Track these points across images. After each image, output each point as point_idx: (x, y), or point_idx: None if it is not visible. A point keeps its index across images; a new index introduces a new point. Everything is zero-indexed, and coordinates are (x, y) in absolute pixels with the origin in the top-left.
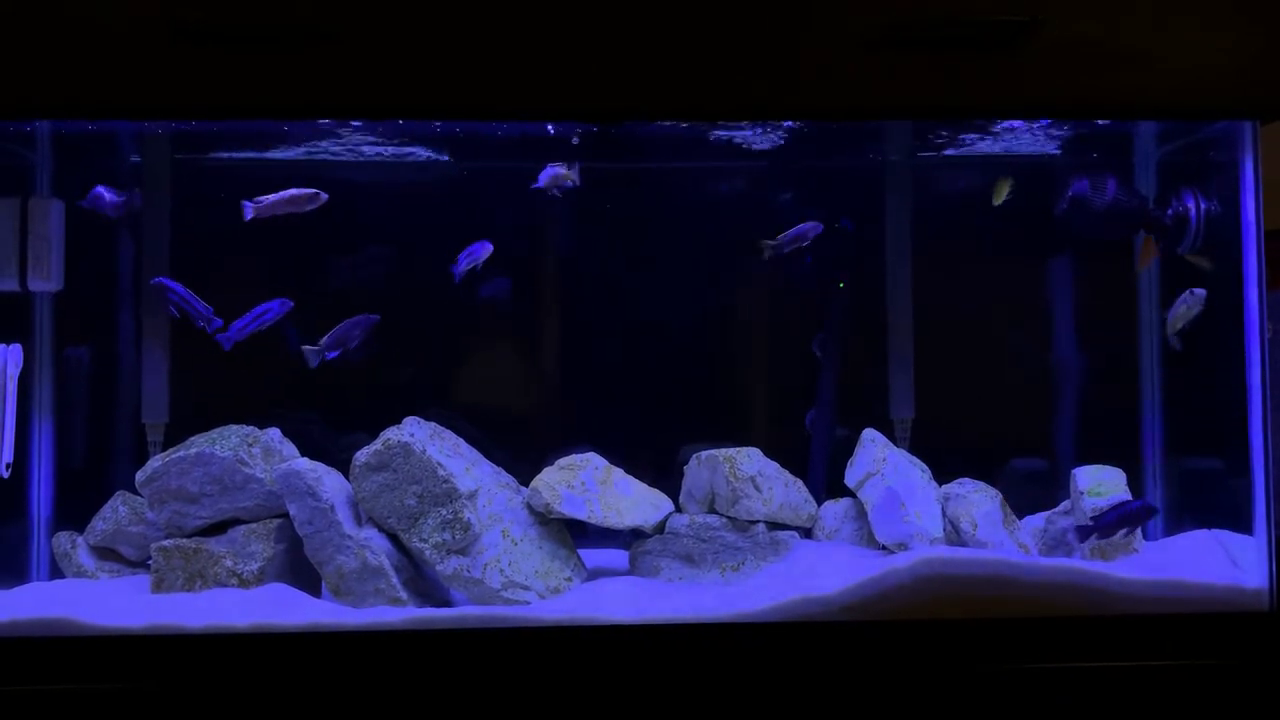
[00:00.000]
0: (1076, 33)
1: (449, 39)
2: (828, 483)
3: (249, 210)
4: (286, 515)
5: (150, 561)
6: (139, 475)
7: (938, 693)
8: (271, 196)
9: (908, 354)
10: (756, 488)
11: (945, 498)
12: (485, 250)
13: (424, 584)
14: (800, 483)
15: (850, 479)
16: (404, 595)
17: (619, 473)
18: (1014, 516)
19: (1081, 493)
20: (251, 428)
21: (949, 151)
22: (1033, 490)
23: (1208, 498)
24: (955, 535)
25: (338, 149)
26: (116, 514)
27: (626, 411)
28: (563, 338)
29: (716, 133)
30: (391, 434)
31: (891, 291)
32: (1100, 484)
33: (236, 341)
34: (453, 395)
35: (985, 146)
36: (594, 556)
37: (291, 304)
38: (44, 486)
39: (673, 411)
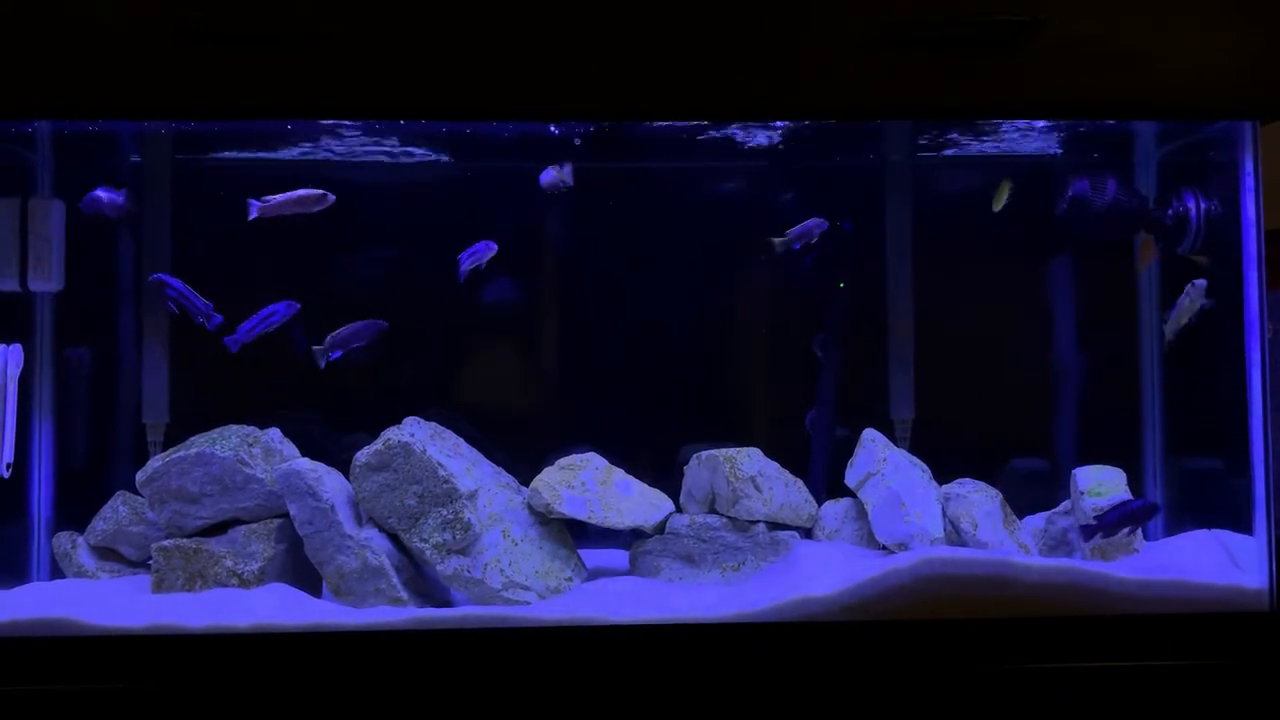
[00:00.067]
0: (1076, 33)
1: (449, 39)
2: (828, 483)
3: (255, 209)
4: (287, 515)
5: (150, 561)
6: (139, 475)
7: (938, 693)
8: (279, 196)
9: (908, 354)
10: (757, 488)
11: (946, 498)
12: (489, 250)
13: (424, 584)
14: (801, 483)
15: (850, 479)
16: (404, 595)
17: (619, 473)
18: (1014, 516)
19: (1082, 493)
20: (252, 428)
21: (949, 151)
22: (1033, 490)
23: (1208, 497)
24: (956, 535)
25: (339, 148)
26: (117, 514)
27: (627, 411)
28: (563, 338)
29: (716, 132)
30: (392, 434)
31: (892, 292)
32: (1100, 484)
33: (243, 344)
34: (453, 395)
35: (985, 146)
36: (594, 556)
37: (299, 306)
38: (44, 486)
39: (673, 411)
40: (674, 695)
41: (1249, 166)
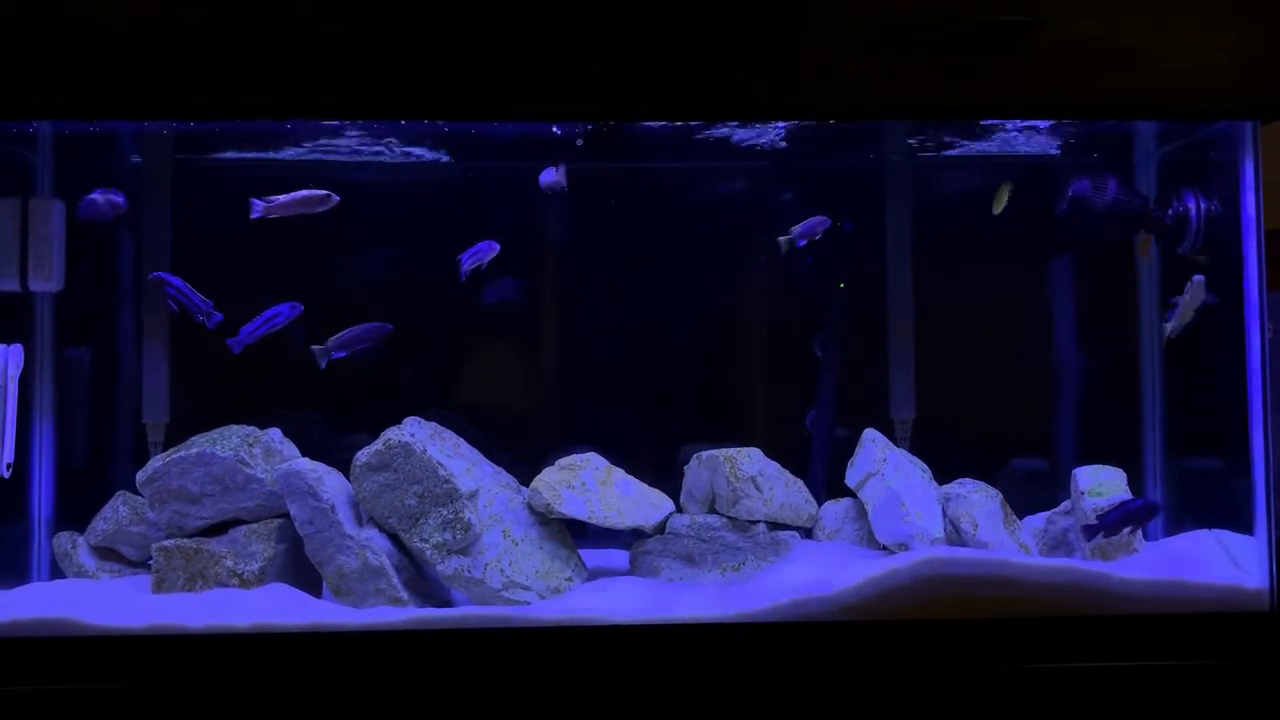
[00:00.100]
0: (1076, 33)
1: (449, 39)
2: (828, 483)
3: (259, 209)
4: (287, 515)
5: (151, 561)
6: (140, 475)
7: (938, 693)
8: (283, 197)
9: (908, 354)
10: (757, 488)
11: (946, 498)
12: (491, 250)
13: (425, 584)
14: (801, 483)
15: (851, 479)
16: (405, 595)
17: (619, 473)
18: (1014, 516)
19: (1082, 493)
20: (252, 428)
21: (949, 152)
22: (1033, 490)
23: (1208, 497)
24: (956, 535)
25: (340, 148)
26: (117, 514)
27: (627, 411)
28: (563, 338)
29: (716, 132)
30: (392, 434)
31: (892, 292)
32: (1101, 484)
33: (246, 345)
34: (453, 395)
35: (985, 146)
36: (594, 557)
37: (301, 308)
38: (45, 486)
39: (673, 411)
40: (674, 696)
41: (1249, 166)
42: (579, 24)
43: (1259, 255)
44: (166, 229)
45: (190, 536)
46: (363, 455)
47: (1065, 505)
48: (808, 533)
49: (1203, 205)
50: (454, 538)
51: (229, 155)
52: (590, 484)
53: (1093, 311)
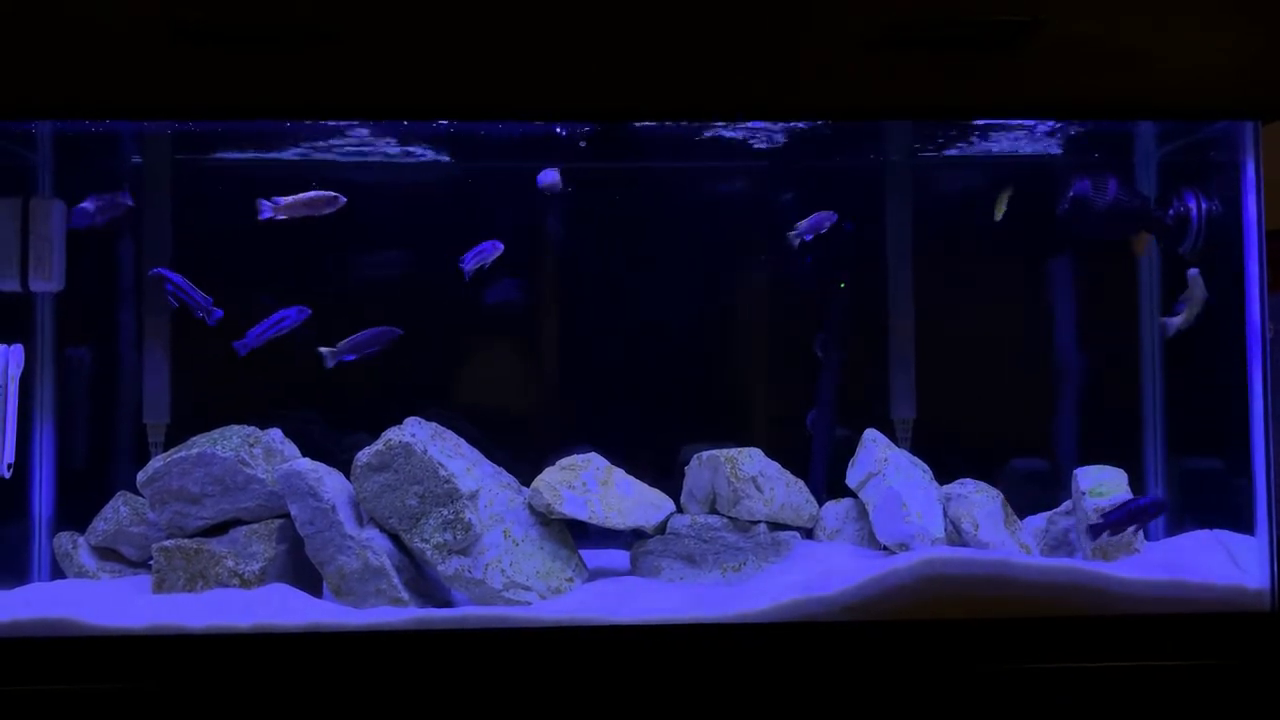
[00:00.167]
0: (1076, 33)
1: (449, 39)
2: (829, 483)
3: (266, 210)
4: (288, 516)
5: (151, 562)
6: (140, 475)
7: (939, 693)
8: (290, 198)
9: (909, 354)
10: (758, 488)
11: (947, 498)
12: (495, 250)
13: (425, 584)
14: (802, 483)
15: (851, 479)
16: (405, 596)
17: (620, 473)
18: (1015, 517)
19: (1083, 493)
20: (253, 428)
21: (949, 151)
22: (1034, 490)
23: (1209, 498)
24: (957, 535)
25: (340, 148)
26: (118, 514)
27: (627, 412)
28: (563, 338)
29: (716, 132)
30: (393, 434)
31: (892, 292)
32: (1101, 484)
33: (253, 348)
34: (454, 395)
35: (986, 146)
36: (595, 557)
37: (309, 311)
38: (45, 487)
39: (674, 411)
40: (675, 696)
41: (1250, 166)
42: (579, 24)
43: (1260, 255)
44: (167, 229)
45: (191, 537)
46: (363, 455)
47: (1066, 505)
48: (809, 533)
49: (1203, 205)
50: (455, 538)
51: (229, 155)
52: (591, 484)
53: (1093, 311)
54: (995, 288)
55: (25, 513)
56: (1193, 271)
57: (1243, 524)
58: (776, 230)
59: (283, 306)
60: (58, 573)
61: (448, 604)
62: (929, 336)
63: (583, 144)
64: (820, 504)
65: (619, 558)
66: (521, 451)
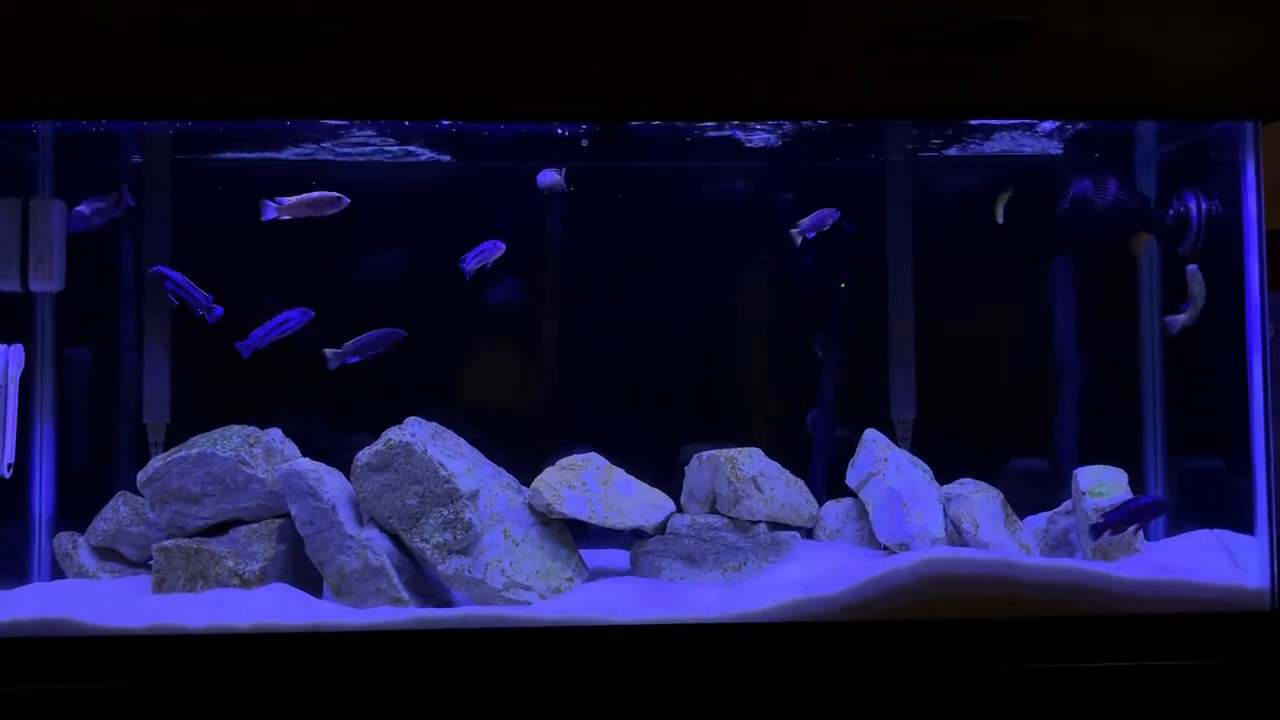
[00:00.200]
0: (1077, 33)
1: (449, 39)
2: (829, 483)
3: (270, 210)
4: (288, 515)
5: (151, 562)
6: (140, 475)
7: (939, 693)
8: (293, 198)
9: (909, 354)
10: (758, 488)
11: (947, 498)
12: (497, 250)
13: (425, 584)
14: (802, 483)
15: (851, 479)
16: (405, 595)
17: (620, 473)
18: (1015, 517)
19: (1083, 493)
20: (253, 428)
21: (949, 151)
22: (1034, 490)
23: (1209, 497)
24: (957, 535)
25: (340, 148)
26: (118, 514)
27: (628, 412)
28: (563, 338)
29: (717, 132)
30: (393, 434)
31: (892, 292)
32: (1102, 484)
33: (256, 350)
34: (454, 395)
35: (986, 146)
36: (595, 557)
37: (312, 314)
38: (45, 487)
39: (674, 411)
40: (675, 696)
41: (1250, 166)
42: (579, 24)
43: (1260, 255)
44: (167, 229)
45: (191, 536)
46: (363, 455)
47: (1066, 505)
48: (809, 533)
49: (1204, 205)
50: (455, 538)
51: (229, 155)
52: (591, 484)
53: (1093, 311)
54: (995, 288)
55: (25, 513)
56: (1191, 267)
57: (1243, 524)
58: (776, 230)
59: (283, 306)
60: (58, 573)
61: (448, 604)
62: (929, 336)
63: (585, 143)
64: (820, 504)
65: (619, 558)
66: (521, 451)
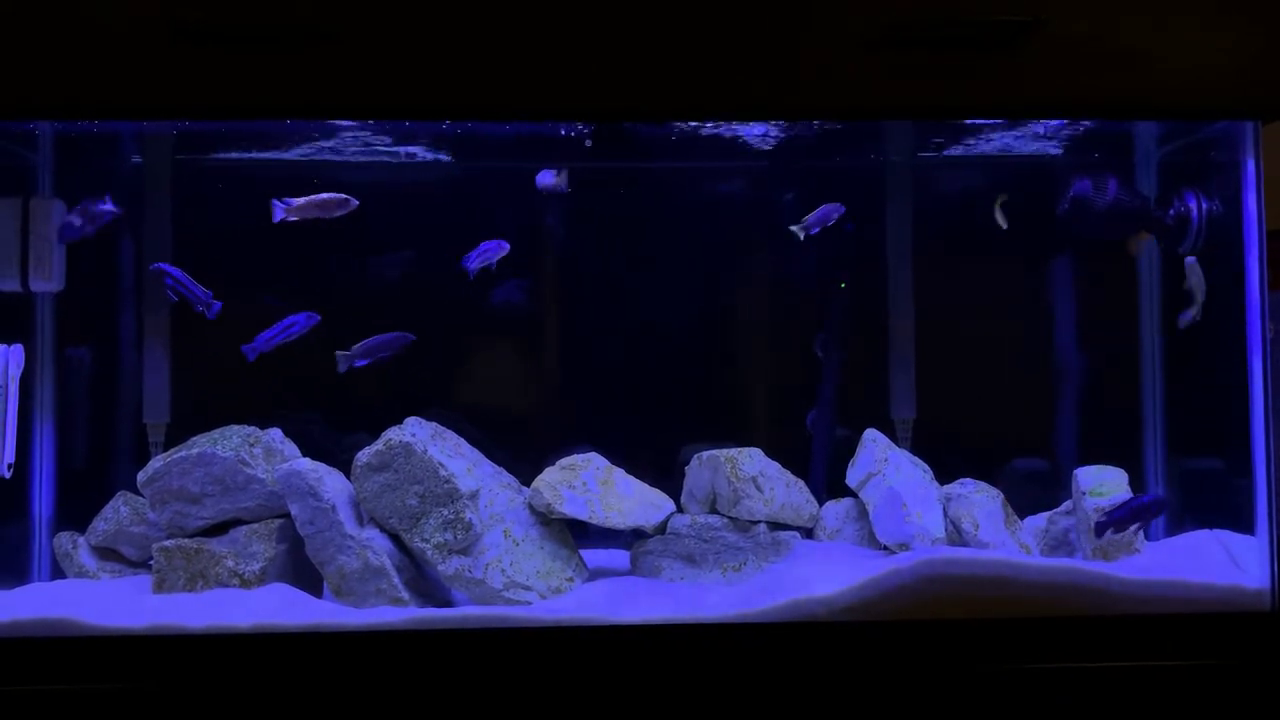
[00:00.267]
0: (1077, 33)
1: (449, 39)
2: (829, 483)
3: (279, 211)
4: (288, 515)
5: (152, 562)
6: (140, 475)
7: (939, 693)
8: (302, 199)
9: (909, 354)
10: (758, 488)
11: (947, 498)
12: (501, 249)
13: (425, 584)
14: (802, 483)
15: (852, 479)
16: (405, 595)
17: (620, 473)
18: (1015, 517)
19: (1083, 493)
20: (253, 428)
21: (949, 151)
22: (1034, 490)
23: (1209, 498)
24: (957, 535)
25: (341, 148)
26: (118, 514)
27: (628, 412)
28: (563, 338)
29: (717, 132)
30: (393, 434)
31: (892, 292)
32: (1102, 484)
33: (262, 353)
34: (454, 395)
35: (986, 146)
36: (595, 557)
37: (318, 318)
38: (45, 486)
39: (674, 412)
40: (675, 696)
41: (1250, 166)
42: (579, 24)
43: (1260, 255)
44: (167, 229)
45: (191, 537)
46: (364, 455)
47: (1066, 505)
48: (809, 533)
49: (1204, 205)
50: (455, 538)
51: (229, 155)
52: (591, 484)
53: (1093, 311)
54: (995, 288)
55: (25, 513)
56: (1190, 259)
57: (1243, 524)
58: (777, 230)
59: (285, 307)
60: (58, 573)
61: (448, 604)
62: (929, 336)
63: (589, 144)
64: (820, 504)
65: (619, 558)
66: (521, 451)
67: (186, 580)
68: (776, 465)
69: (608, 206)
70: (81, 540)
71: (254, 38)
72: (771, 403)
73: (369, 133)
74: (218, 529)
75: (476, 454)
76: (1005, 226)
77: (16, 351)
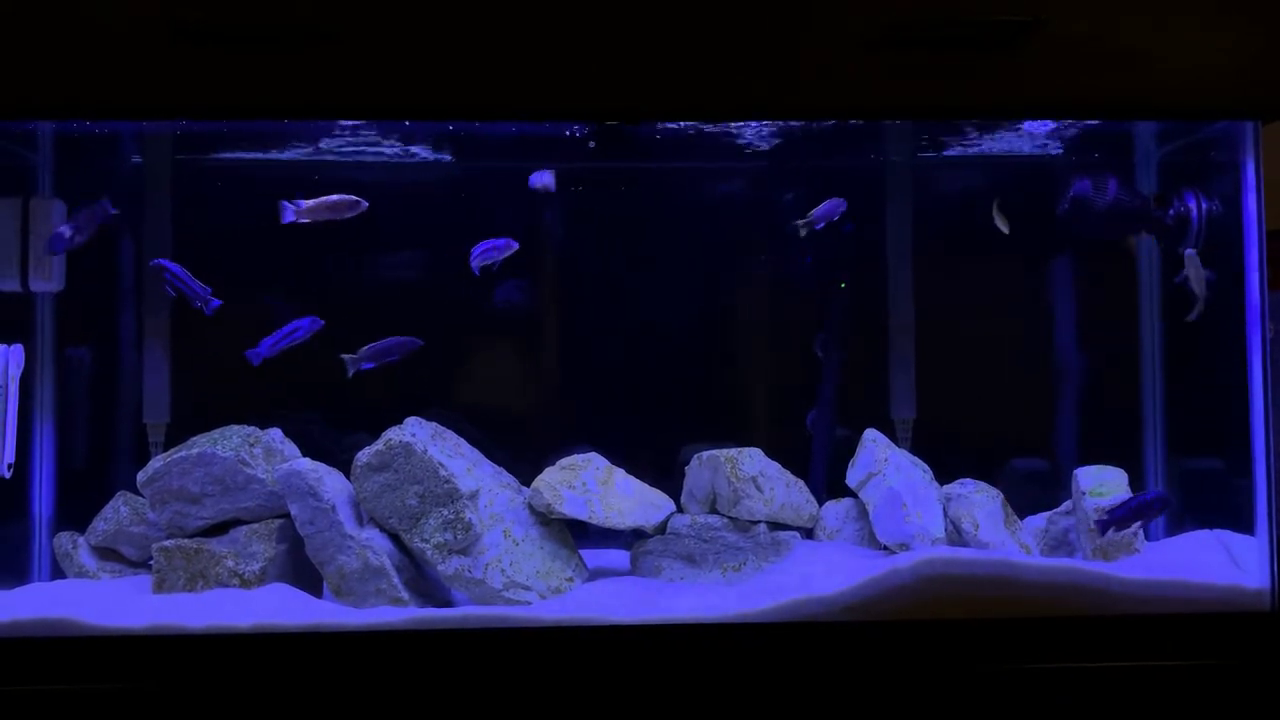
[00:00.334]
0: (1077, 33)
1: (449, 39)
2: (829, 483)
3: (289, 213)
4: (288, 515)
5: (152, 562)
6: (140, 475)
7: (939, 693)
8: (312, 201)
9: (909, 354)
10: (758, 488)
11: (947, 498)
12: (509, 247)
13: (425, 584)
14: (802, 483)
15: (852, 479)
16: (405, 595)
17: (620, 473)
18: (1015, 517)
19: (1083, 493)
20: (253, 428)
21: (949, 151)
22: (1034, 490)
23: (1209, 498)
24: (957, 535)
25: (341, 148)
26: (118, 514)
27: (628, 412)
28: (563, 338)
29: (717, 132)
30: (393, 434)
31: (892, 292)
32: (1102, 484)
33: (266, 358)
34: (454, 395)
35: (986, 146)
36: (595, 557)
37: (322, 323)
38: (45, 486)
39: (674, 412)
40: (675, 696)
41: (1250, 166)
42: (579, 24)
43: (1260, 255)
44: (167, 229)
45: (191, 537)
46: (364, 455)
47: (1066, 505)
48: (809, 533)
49: (1204, 205)
50: (455, 538)
51: (229, 155)
52: (591, 484)
53: (1093, 311)
54: (995, 288)
55: (25, 513)
56: (1189, 252)
57: (1243, 524)
58: (776, 230)
59: (284, 306)
60: (58, 573)
61: (448, 604)
62: (929, 336)
63: (591, 144)
64: (820, 504)
65: (619, 558)
66: (521, 451)
67: (186, 580)
68: (776, 465)
69: (607, 206)
70: (81, 540)
71: (254, 38)
72: (771, 403)
73: (373, 132)
74: (218, 529)
75: (476, 454)
76: (1006, 231)
77: (16, 351)
